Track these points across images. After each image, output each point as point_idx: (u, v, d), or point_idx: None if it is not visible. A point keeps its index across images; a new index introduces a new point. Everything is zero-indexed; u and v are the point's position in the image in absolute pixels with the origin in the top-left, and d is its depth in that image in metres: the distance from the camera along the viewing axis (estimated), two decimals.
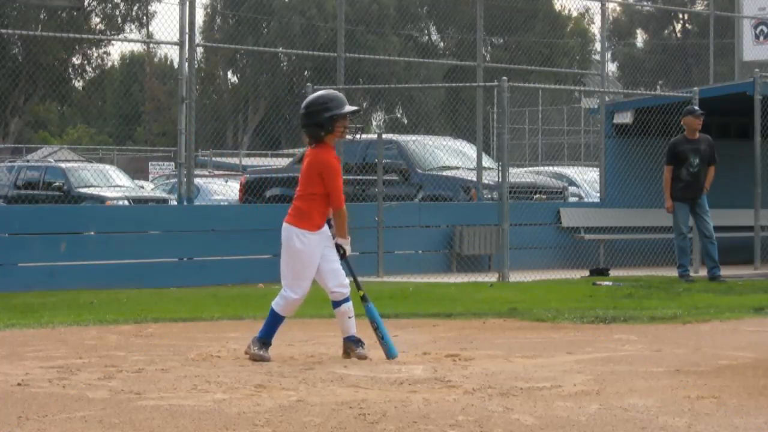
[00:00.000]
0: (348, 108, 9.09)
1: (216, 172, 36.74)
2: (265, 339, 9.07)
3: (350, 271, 9.26)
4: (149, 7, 47.89)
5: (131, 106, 52.88)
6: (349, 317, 9.16)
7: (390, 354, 9.19)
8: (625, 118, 21.67)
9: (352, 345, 9.17)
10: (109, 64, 52.88)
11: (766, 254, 20.63)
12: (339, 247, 9.15)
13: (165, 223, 17.95)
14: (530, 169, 30.38)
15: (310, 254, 8.99)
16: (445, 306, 13.66)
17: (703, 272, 17.83)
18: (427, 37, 54.53)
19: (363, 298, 9.29)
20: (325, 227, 9.11)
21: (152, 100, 53.60)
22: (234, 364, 8.82)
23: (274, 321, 9.11)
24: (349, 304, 9.14)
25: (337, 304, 9.14)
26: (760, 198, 20.33)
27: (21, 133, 47.92)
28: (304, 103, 9.15)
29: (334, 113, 8.99)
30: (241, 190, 23.27)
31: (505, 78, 18.32)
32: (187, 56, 18.14)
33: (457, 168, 21.86)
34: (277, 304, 9.09)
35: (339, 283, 9.10)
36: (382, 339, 9.23)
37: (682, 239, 17.32)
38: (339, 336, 9.67)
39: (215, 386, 7.77)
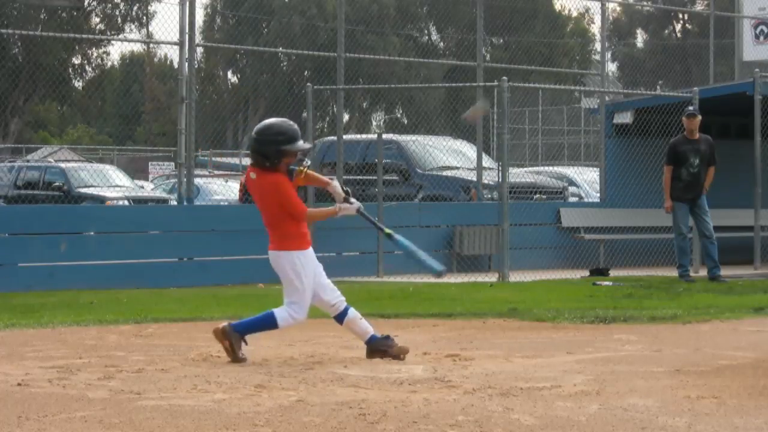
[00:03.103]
0: (299, 145, 8.78)
1: (216, 172, 36.71)
2: (247, 333, 8.99)
3: (370, 221, 9.34)
4: (149, 7, 47.83)
5: (131, 106, 52.84)
6: (360, 319, 9.11)
7: (435, 271, 9.41)
8: (625, 118, 21.67)
9: (384, 342, 9.05)
10: (109, 64, 52.88)
11: (766, 254, 20.63)
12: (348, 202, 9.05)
13: (165, 223, 17.95)
14: (530, 169, 30.37)
15: (312, 275, 8.88)
16: (445, 306, 13.65)
17: (703, 272, 17.83)
18: (427, 37, 54.48)
19: (390, 236, 9.27)
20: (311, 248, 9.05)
21: (152, 100, 53.57)
22: (234, 364, 8.82)
23: (267, 325, 9.00)
24: (353, 309, 9.10)
25: (341, 315, 9.03)
26: (760, 198, 20.32)
27: (21, 133, 47.88)
28: (257, 128, 8.88)
29: (283, 149, 8.72)
30: (241, 190, 23.25)
31: (505, 78, 18.33)
32: (187, 56, 18.14)
33: (457, 168, 21.86)
34: (282, 318, 8.90)
35: (337, 296, 9.03)
36: (420, 261, 9.34)
37: (682, 239, 17.31)
38: (339, 336, 9.69)
39: (215, 386, 7.77)
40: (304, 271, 8.85)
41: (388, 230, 9.34)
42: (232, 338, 8.90)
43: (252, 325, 9.04)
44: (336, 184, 9.07)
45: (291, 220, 8.85)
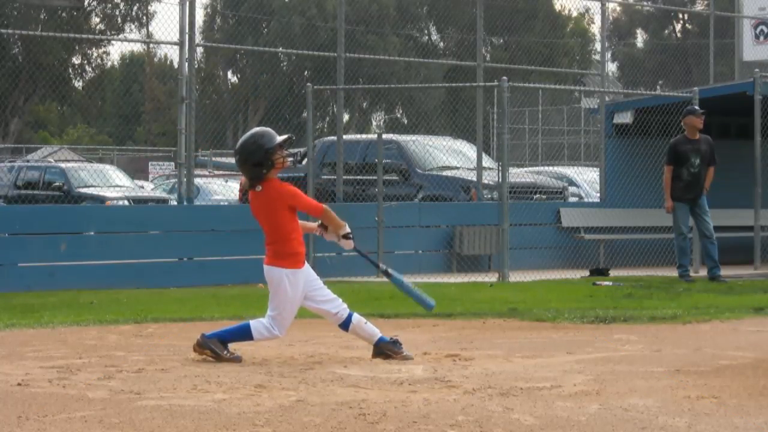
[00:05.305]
0: (279, 139, 9.01)
1: (216, 172, 36.72)
2: (225, 342, 8.98)
3: (362, 254, 9.48)
4: (149, 7, 47.89)
5: (131, 106, 52.87)
6: (365, 323, 9.18)
7: (427, 306, 9.56)
8: (625, 118, 21.67)
9: (390, 347, 9.14)
10: (109, 64, 52.91)
11: (766, 254, 20.63)
12: (348, 235, 9.17)
13: (165, 223, 17.95)
14: (530, 169, 30.39)
15: (299, 296, 8.96)
16: (445, 306, 13.64)
17: (703, 272, 17.83)
18: (427, 37, 54.49)
19: (386, 273, 9.50)
20: (307, 265, 9.11)
21: (152, 100, 53.60)
22: (234, 364, 8.82)
23: (242, 336, 9.03)
24: (356, 315, 9.15)
25: (346, 321, 9.10)
26: (760, 198, 20.32)
27: (21, 133, 47.91)
28: (237, 148, 9.07)
29: (268, 148, 8.91)
30: (241, 190, 23.26)
31: (505, 78, 18.33)
32: (187, 56, 18.15)
33: (457, 168, 21.87)
34: (258, 331, 8.97)
35: (338, 304, 9.10)
36: (415, 296, 9.54)
37: (682, 239, 17.31)
38: (339, 336, 9.68)
39: (215, 386, 7.77)
40: (292, 290, 8.93)
41: (383, 266, 9.51)
42: (211, 344, 8.93)
43: (226, 335, 9.05)
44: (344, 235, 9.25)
45: (288, 239, 8.97)
